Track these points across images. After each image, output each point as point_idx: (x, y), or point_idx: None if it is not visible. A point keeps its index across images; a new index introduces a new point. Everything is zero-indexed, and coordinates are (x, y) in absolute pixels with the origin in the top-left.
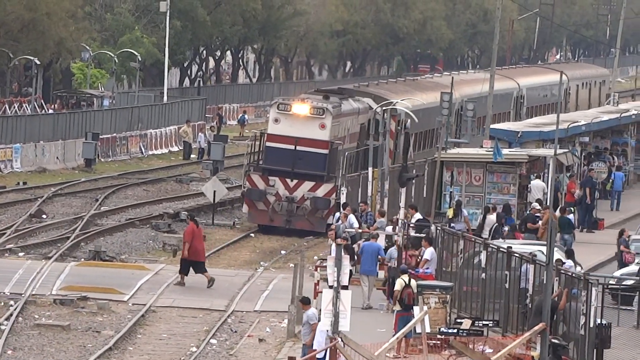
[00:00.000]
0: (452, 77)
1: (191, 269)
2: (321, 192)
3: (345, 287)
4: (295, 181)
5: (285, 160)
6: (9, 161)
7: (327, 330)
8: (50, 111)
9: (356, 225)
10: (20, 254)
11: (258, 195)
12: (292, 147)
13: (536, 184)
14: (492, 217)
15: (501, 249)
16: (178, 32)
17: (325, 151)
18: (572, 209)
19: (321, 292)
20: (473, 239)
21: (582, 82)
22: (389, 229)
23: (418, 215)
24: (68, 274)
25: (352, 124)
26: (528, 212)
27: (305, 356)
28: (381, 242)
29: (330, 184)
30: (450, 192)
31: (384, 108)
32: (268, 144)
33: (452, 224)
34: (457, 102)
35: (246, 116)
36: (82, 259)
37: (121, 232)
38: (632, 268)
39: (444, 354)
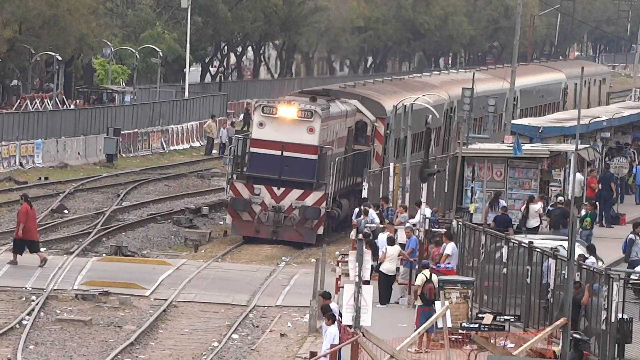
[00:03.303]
0: (474, 73)
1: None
2: (310, 200)
3: (366, 282)
4: (282, 189)
5: (271, 167)
6: (31, 157)
7: (333, 338)
8: (72, 107)
9: (377, 220)
10: (42, 249)
11: (242, 204)
12: (279, 152)
13: (577, 178)
14: (535, 206)
15: (522, 244)
16: (199, 28)
17: (314, 157)
18: (595, 203)
19: (342, 287)
20: (494, 234)
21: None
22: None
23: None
24: (90, 269)
25: (340, 127)
26: (550, 206)
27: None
28: (401, 236)
29: (320, 191)
30: (472, 187)
31: (405, 104)
32: (252, 149)
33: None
34: (445, 103)
35: None
36: (104, 254)
37: (143, 228)
38: None
39: (466, 349)
